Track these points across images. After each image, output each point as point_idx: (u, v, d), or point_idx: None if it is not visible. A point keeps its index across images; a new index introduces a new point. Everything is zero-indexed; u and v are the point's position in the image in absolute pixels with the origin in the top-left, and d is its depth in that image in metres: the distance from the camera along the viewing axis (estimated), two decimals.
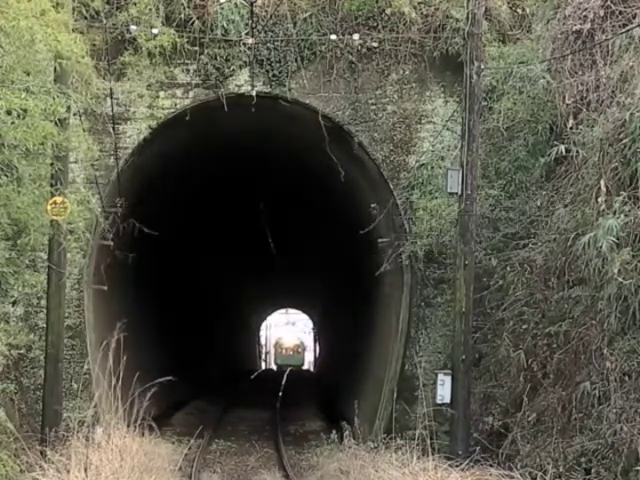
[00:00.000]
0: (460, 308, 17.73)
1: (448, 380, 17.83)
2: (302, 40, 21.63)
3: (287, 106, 22.02)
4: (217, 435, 27.40)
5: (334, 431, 21.76)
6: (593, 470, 13.71)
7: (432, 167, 21.46)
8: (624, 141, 15.01)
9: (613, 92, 17.19)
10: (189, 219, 33.21)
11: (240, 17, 21.45)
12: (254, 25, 21.32)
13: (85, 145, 17.61)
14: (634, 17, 18.25)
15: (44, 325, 18.27)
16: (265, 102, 21.92)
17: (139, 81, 21.17)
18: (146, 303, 29.83)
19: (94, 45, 19.80)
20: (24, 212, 16.61)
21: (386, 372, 22.70)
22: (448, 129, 21.25)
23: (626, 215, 14.55)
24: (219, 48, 21.55)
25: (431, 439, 15.91)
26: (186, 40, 20.99)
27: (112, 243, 21.77)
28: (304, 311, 76.67)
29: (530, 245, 18.41)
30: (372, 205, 22.56)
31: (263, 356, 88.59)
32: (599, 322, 14.79)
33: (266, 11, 21.61)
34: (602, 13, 18.72)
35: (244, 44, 21.47)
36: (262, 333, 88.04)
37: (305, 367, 79.62)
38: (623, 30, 17.99)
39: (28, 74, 15.77)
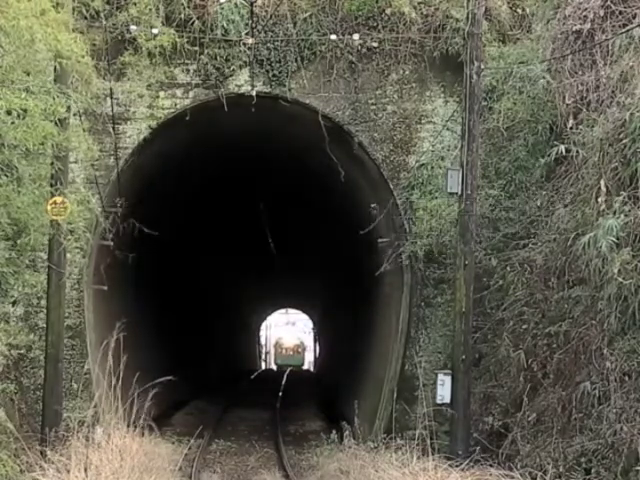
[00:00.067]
0: (460, 308, 17.73)
1: (448, 380, 17.82)
2: (302, 40, 21.63)
3: (287, 106, 22.02)
4: (217, 435, 27.39)
5: (334, 431, 21.75)
6: (593, 470, 13.71)
7: (432, 167, 21.46)
8: (624, 141, 15.00)
9: (613, 92, 17.18)
10: (189, 219, 33.19)
11: (240, 17, 21.45)
12: (254, 25, 21.31)
13: (85, 145, 17.60)
14: (634, 17, 18.25)
15: (44, 325, 18.26)
16: (265, 102, 21.91)
17: (139, 81, 21.17)
18: (146, 303, 29.82)
19: (94, 45, 19.79)
20: (24, 212, 16.60)
21: (386, 372, 22.69)
22: (448, 129, 21.25)
23: (626, 215, 14.54)
24: (219, 48, 21.55)
25: (431, 439, 15.90)
26: (186, 40, 20.99)
27: (112, 243, 21.75)
28: (304, 311, 76.62)
29: (530, 245, 18.40)
30: (372, 205, 22.56)
31: (263, 356, 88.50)
32: (599, 322, 14.79)
33: (266, 11, 21.61)
34: (602, 13, 18.72)
35: (244, 44, 21.47)
36: (262, 333, 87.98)
37: (305, 367, 79.52)
38: (623, 30, 17.98)
39: (28, 74, 15.75)
